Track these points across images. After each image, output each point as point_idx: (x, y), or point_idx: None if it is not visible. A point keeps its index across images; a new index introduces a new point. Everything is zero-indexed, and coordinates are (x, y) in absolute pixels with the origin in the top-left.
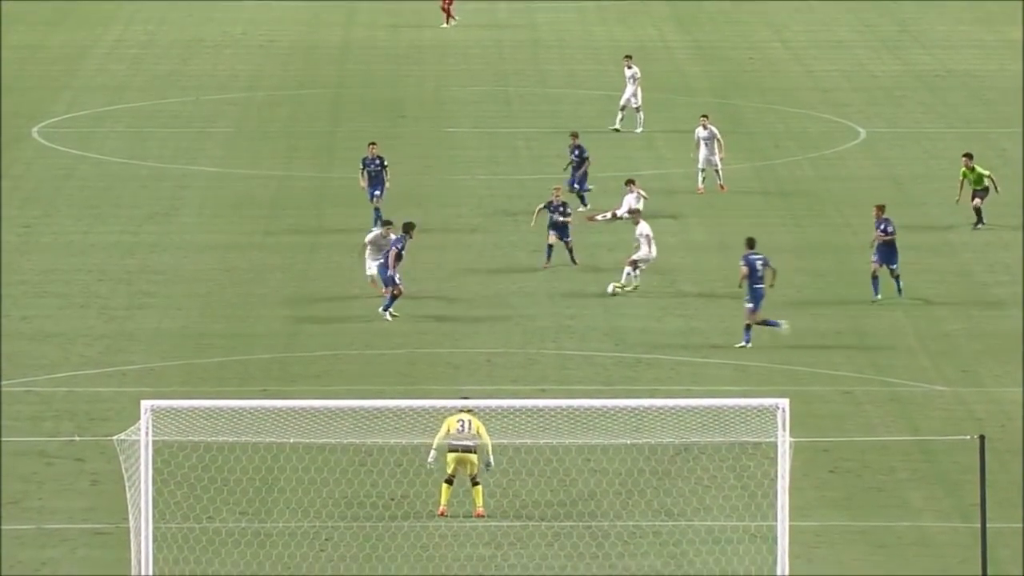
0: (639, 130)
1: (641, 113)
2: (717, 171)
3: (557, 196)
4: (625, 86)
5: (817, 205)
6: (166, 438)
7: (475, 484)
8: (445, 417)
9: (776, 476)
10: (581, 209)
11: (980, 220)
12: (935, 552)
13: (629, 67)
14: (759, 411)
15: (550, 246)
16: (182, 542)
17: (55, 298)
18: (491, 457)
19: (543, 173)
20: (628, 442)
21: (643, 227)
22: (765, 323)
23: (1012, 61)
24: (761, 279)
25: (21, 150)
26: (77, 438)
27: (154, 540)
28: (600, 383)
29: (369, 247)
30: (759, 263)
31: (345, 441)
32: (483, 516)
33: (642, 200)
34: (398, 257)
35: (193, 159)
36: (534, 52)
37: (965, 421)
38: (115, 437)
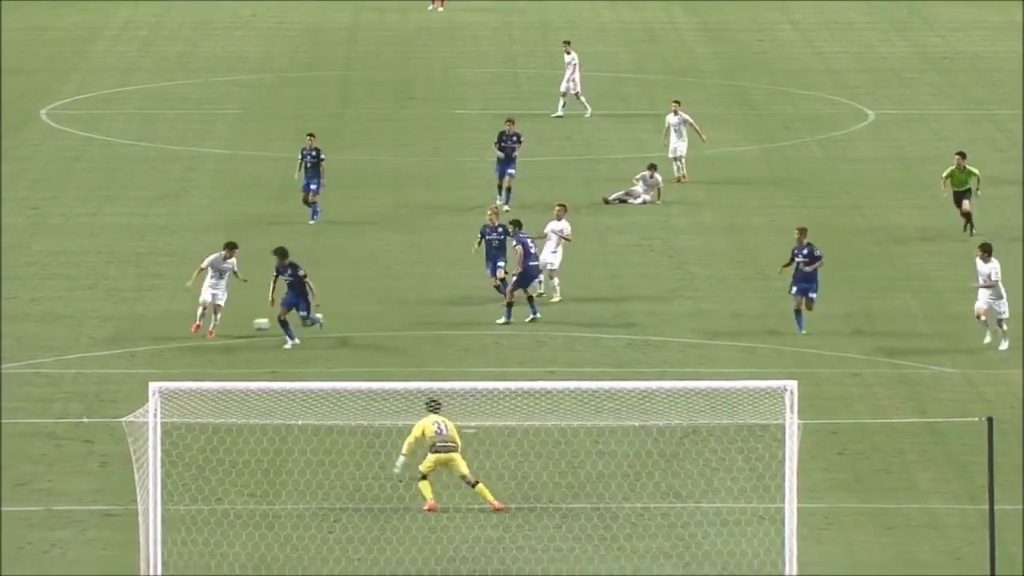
0: (587, 115)
1: (582, 98)
2: (679, 159)
3: (493, 219)
4: (564, 72)
5: (826, 187)
6: (174, 420)
7: (476, 485)
8: (417, 423)
9: (784, 458)
10: (502, 206)
11: (970, 224)
12: (943, 534)
13: (568, 52)
14: (767, 393)
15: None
16: (190, 523)
17: (64, 280)
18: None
19: (551, 155)
20: (636, 424)
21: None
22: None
23: (1020, 42)
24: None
25: (30, 132)
26: (86, 420)
27: (163, 521)
28: (608, 365)
29: (210, 271)
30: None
31: (353, 423)
32: (503, 508)
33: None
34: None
35: (202, 141)
36: (543, 34)
37: (973, 403)
38: (124, 419)
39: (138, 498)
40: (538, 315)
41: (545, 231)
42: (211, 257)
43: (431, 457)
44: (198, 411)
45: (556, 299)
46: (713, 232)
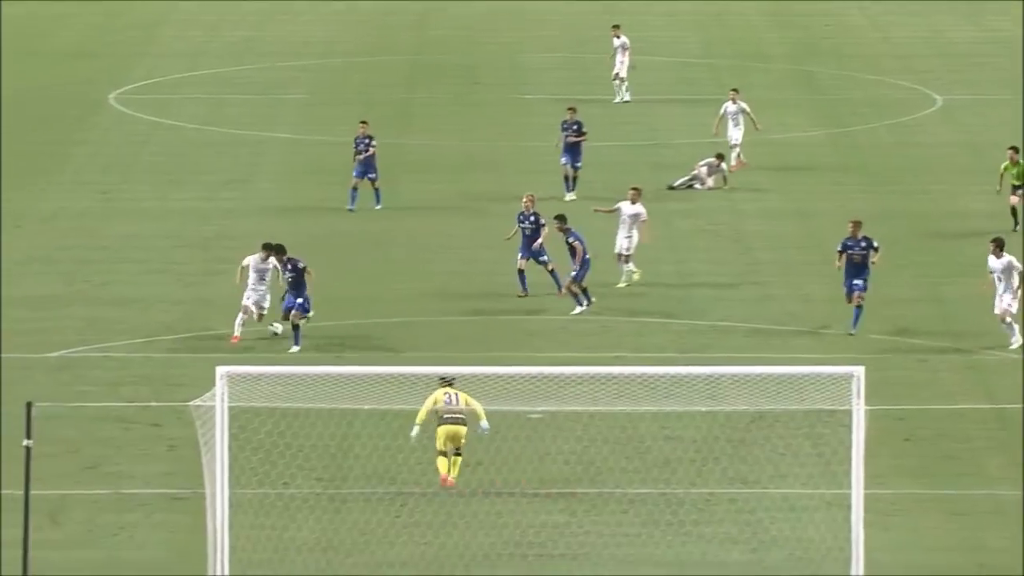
0: (616, 100)
1: (623, 82)
2: (735, 146)
3: (529, 206)
4: (615, 55)
5: (894, 173)
6: (242, 404)
7: (458, 455)
8: (433, 391)
9: (851, 444)
10: (570, 197)
11: (1017, 221)
12: (1011, 520)
13: (617, 37)
14: (834, 379)
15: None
16: (258, 507)
17: (133, 264)
18: (486, 422)
19: (618, 140)
20: (703, 409)
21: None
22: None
23: None
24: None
25: (99, 117)
26: (154, 404)
27: (230, 505)
28: (675, 351)
29: (251, 272)
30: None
31: (419, 413)
32: (453, 485)
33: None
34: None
35: (269, 125)
36: (610, 19)
37: None
38: (191, 403)
39: (206, 482)
40: (593, 301)
41: (621, 215)
42: (251, 258)
43: (440, 431)
44: (265, 395)
45: (636, 277)
46: (780, 217)
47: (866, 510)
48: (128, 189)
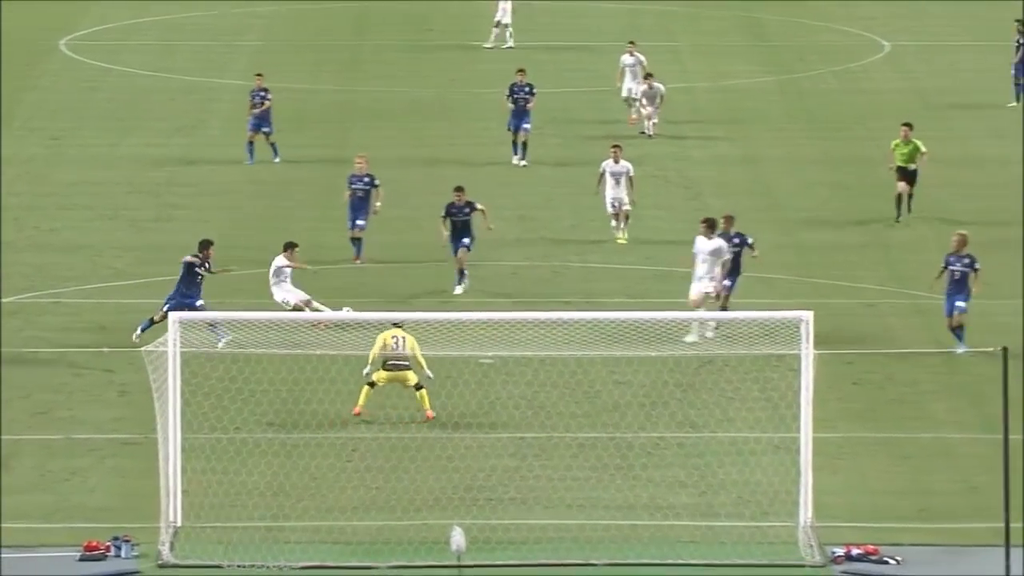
0: (506, 45)
1: (508, 29)
2: (634, 100)
3: (363, 167)
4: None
5: (841, 119)
6: (194, 349)
7: (419, 388)
8: (380, 333)
9: (799, 388)
10: (519, 161)
11: (900, 211)
12: (957, 463)
13: None
14: (783, 324)
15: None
16: (210, 452)
17: (84, 210)
18: (428, 371)
19: (567, 86)
20: (652, 354)
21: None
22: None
23: None
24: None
25: (49, 63)
26: (106, 349)
27: (182, 450)
28: (624, 296)
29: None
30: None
31: (370, 353)
32: (433, 418)
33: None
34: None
35: (220, 72)
36: None
37: (988, 333)
38: (143, 348)
39: (158, 427)
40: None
41: (603, 172)
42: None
43: (383, 374)
44: (217, 341)
45: (623, 239)
46: (729, 164)
47: (814, 453)
48: (78, 135)
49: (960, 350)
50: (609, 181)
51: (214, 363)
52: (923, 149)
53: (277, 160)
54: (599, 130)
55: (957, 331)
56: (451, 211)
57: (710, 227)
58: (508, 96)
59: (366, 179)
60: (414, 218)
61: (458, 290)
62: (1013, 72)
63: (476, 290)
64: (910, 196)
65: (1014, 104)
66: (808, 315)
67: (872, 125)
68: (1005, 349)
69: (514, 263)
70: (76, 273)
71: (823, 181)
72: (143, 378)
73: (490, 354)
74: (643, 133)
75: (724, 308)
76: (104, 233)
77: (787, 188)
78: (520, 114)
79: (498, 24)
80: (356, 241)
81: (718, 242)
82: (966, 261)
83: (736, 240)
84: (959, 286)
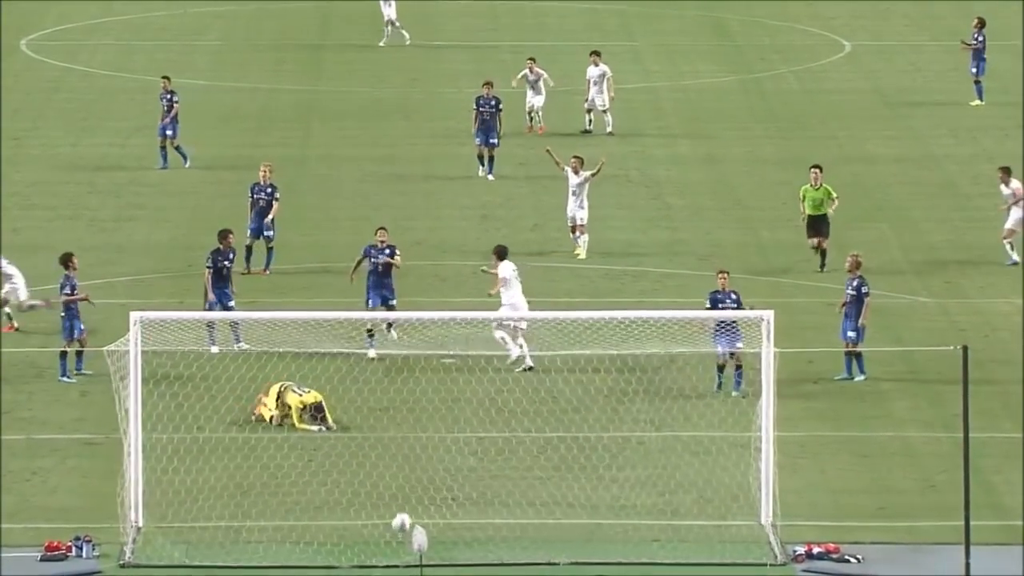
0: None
1: (399, 26)
2: (536, 111)
3: (266, 176)
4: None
5: (802, 118)
6: (155, 348)
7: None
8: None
9: (761, 387)
10: (485, 175)
11: (824, 262)
12: (918, 462)
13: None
14: (744, 323)
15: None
16: (171, 452)
17: (44, 210)
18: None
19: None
20: (614, 353)
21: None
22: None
23: None
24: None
25: (10, 63)
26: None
27: (143, 449)
28: (586, 295)
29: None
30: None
31: (333, 350)
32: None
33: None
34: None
35: (181, 72)
36: None
37: (948, 332)
38: (105, 348)
39: (119, 427)
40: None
41: (569, 185)
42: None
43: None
44: (178, 340)
45: (581, 254)
46: (690, 163)
47: (776, 452)
48: (39, 135)
49: (858, 378)
50: (569, 196)
51: (175, 362)
52: (834, 195)
53: (187, 166)
54: (561, 129)
55: (848, 359)
56: (370, 252)
57: (1007, 173)
58: (474, 109)
59: (268, 189)
60: (377, 219)
61: (371, 354)
62: (973, 71)
63: (438, 289)
64: (823, 252)
65: (977, 102)
66: (769, 314)
67: (832, 125)
68: (965, 348)
69: (475, 263)
70: (37, 273)
71: (782, 181)
72: (105, 378)
73: (452, 353)
74: (610, 132)
75: (739, 365)
76: (64, 233)
77: (748, 187)
78: (487, 129)
79: (389, 23)
80: (251, 251)
81: (1015, 185)
82: (855, 283)
83: (733, 296)
84: (850, 310)
